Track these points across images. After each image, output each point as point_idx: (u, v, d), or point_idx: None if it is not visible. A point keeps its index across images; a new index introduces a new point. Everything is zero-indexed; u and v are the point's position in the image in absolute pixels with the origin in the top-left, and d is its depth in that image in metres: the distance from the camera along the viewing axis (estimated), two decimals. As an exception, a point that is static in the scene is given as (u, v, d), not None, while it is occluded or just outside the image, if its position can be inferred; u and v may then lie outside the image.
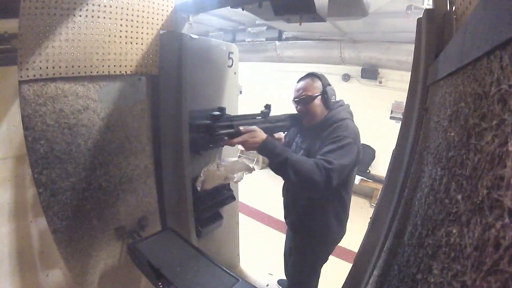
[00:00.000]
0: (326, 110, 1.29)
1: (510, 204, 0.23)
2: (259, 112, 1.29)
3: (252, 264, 2.41)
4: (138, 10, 1.34)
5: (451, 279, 0.32)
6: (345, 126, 1.20)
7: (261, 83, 5.45)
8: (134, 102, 1.43)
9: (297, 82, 1.34)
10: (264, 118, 1.29)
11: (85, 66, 1.20)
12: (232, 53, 1.86)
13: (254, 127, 1.10)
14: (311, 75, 1.31)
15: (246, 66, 5.02)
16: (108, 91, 1.31)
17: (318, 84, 1.29)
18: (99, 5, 1.21)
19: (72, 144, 1.22)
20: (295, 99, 1.31)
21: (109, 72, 1.29)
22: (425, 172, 0.64)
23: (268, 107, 1.30)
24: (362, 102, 3.89)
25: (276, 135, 1.40)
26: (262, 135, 1.08)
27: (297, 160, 1.04)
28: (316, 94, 1.27)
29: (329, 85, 1.30)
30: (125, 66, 1.34)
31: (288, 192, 1.52)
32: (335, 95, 1.31)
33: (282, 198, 1.58)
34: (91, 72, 1.23)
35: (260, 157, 5.35)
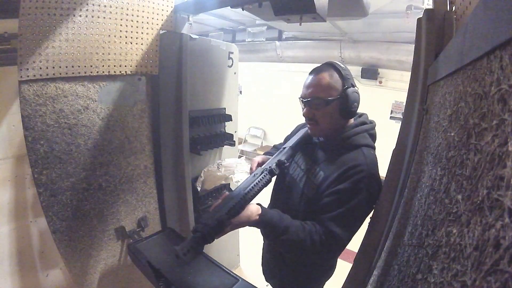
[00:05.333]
0: (342, 121, 0.96)
1: (510, 204, 0.23)
2: (267, 173, 0.93)
3: (252, 264, 2.41)
4: (138, 10, 1.34)
5: (451, 279, 0.32)
6: (363, 167, 0.87)
7: (261, 83, 5.45)
8: (134, 102, 1.43)
9: (309, 73, 0.97)
10: (271, 178, 0.96)
11: (85, 66, 1.20)
12: (232, 53, 1.86)
13: (244, 218, 0.82)
14: (330, 67, 0.94)
15: (246, 66, 5.02)
16: (108, 91, 1.31)
17: (337, 83, 0.92)
18: (99, 5, 1.21)
19: (72, 144, 1.22)
20: (302, 99, 0.96)
21: (109, 72, 1.29)
22: (425, 172, 0.64)
23: (281, 165, 0.98)
24: (362, 102, 3.88)
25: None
26: (252, 219, 0.82)
27: (293, 241, 0.82)
28: (332, 98, 0.90)
29: (353, 85, 0.94)
30: (125, 66, 1.34)
31: (269, 254, 1.20)
32: (358, 101, 0.94)
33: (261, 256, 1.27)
34: (91, 72, 1.23)
35: (260, 157, 5.32)
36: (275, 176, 1.12)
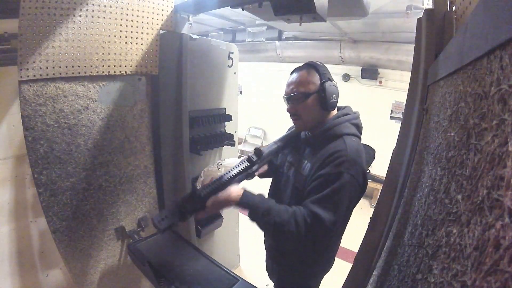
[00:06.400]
0: (324, 113, 1.03)
1: (510, 204, 0.23)
2: (246, 161, 0.99)
3: (252, 264, 2.41)
4: (138, 10, 1.34)
5: (451, 279, 0.32)
6: (343, 152, 0.90)
7: (261, 83, 5.45)
8: (134, 102, 1.43)
9: (290, 73, 1.07)
10: (251, 166, 1.00)
11: (85, 66, 1.20)
12: (232, 53, 1.86)
13: (224, 195, 0.87)
14: (308, 66, 1.03)
15: (246, 66, 5.02)
16: (108, 91, 1.31)
17: (315, 78, 1.00)
18: (99, 5, 1.21)
19: (72, 144, 1.22)
20: (285, 96, 1.06)
21: (109, 72, 1.29)
22: (425, 172, 0.64)
23: (258, 153, 1.02)
24: (362, 102, 3.89)
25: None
26: (232, 198, 0.87)
27: (277, 223, 0.85)
28: (310, 92, 0.99)
29: (330, 79, 1.01)
30: (125, 66, 1.34)
31: (268, 251, 1.24)
32: (336, 94, 1.01)
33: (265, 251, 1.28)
34: (91, 72, 1.23)
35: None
36: (274, 175, 1.19)
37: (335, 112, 1.06)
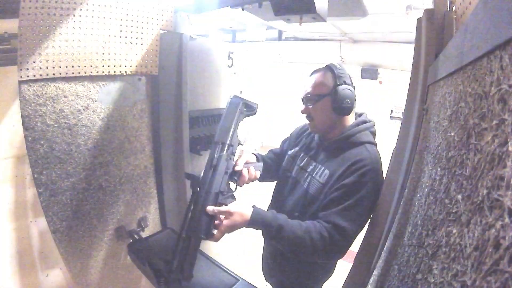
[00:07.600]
0: (338, 117, 1.00)
1: (510, 204, 0.23)
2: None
3: (252, 264, 2.41)
4: (138, 10, 1.34)
5: (451, 279, 0.32)
6: (368, 161, 0.89)
7: (261, 83, 5.45)
8: (134, 102, 1.43)
9: (310, 75, 1.06)
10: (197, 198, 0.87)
11: (85, 66, 1.20)
12: (232, 53, 1.86)
13: (229, 209, 0.83)
14: (326, 68, 1.01)
15: (247, 66, 5.02)
16: (108, 91, 1.31)
17: (329, 80, 0.97)
18: (99, 5, 1.21)
19: (72, 144, 1.22)
20: (300, 97, 1.06)
21: (109, 72, 1.29)
22: (425, 172, 0.64)
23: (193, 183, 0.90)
24: (362, 102, 3.89)
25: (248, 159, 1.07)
26: (243, 217, 0.84)
27: (290, 239, 0.83)
28: (322, 94, 0.97)
29: (346, 83, 0.97)
30: (125, 66, 1.34)
31: (269, 254, 1.19)
32: (351, 98, 0.96)
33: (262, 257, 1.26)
34: (91, 72, 1.23)
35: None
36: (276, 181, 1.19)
37: (351, 117, 1.04)
